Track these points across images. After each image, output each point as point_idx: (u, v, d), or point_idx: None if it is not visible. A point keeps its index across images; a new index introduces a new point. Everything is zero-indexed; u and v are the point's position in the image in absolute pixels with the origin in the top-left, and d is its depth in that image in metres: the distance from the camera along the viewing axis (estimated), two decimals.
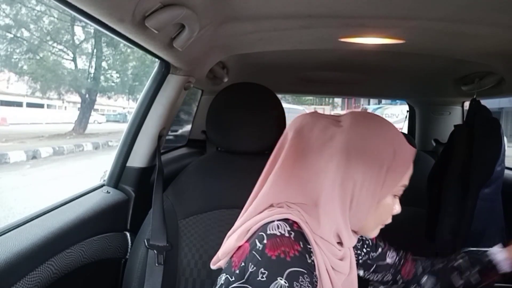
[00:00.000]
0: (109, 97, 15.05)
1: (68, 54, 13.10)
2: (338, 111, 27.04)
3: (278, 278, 0.62)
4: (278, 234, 0.67)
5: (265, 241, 0.66)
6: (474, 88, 1.65)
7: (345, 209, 0.70)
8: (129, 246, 1.17)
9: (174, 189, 1.17)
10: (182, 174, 1.21)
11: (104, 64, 13.64)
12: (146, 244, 1.06)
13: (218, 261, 0.78)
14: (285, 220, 0.69)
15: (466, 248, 1.40)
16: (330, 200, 0.69)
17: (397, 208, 0.76)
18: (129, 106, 21.21)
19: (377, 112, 13.66)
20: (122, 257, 1.15)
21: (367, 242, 0.96)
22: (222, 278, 0.72)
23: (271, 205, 0.73)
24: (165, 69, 1.23)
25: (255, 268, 0.64)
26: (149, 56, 1.10)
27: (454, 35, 1.12)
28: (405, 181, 0.73)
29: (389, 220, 0.76)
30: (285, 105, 1.57)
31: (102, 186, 1.25)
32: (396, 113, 11.98)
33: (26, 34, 12.20)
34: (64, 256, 0.89)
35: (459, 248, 1.40)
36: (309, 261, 0.66)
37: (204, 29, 0.99)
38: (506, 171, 1.53)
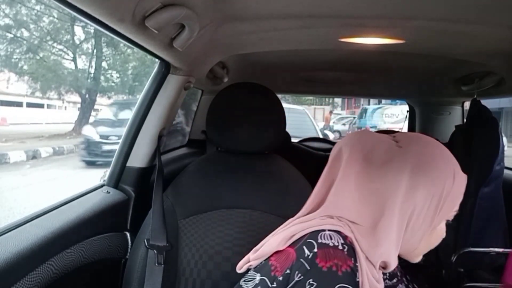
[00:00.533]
0: (109, 97, 15.05)
1: (68, 54, 13.10)
2: (338, 111, 27.02)
3: None
4: (331, 245, 0.63)
5: (315, 250, 0.62)
6: (474, 88, 1.65)
7: (400, 233, 0.67)
8: (129, 246, 1.17)
9: (174, 189, 1.17)
10: (182, 174, 1.21)
11: (104, 64, 13.63)
12: (146, 244, 1.06)
13: (247, 263, 0.73)
14: (338, 232, 0.65)
15: (467, 248, 1.40)
16: (389, 224, 0.66)
17: (444, 233, 0.74)
18: None
19: (377, 112, 13.72)
20: (122, 257, 1.15)
21: None
22: (256, 279, 0.68)
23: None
24: (165, 69, 1.23)
25: (302, 277, 0.61)
26: (149, 56, 1.10)
27: (454, 35, 1.12)
28: (458, 206, 0.71)
29: (436, 244, 0.74)
30: (285, 105, 1.57)
31: (102, 186, 1.25)
32: (396, 113, 11.99)
33: (26, 34, 12.19)
34: (64, 256, 0.89)
35: (459, 248, 1.41)
36: (357, 279, 0.63)
37: (204, 29, 0.99)
38: (506, 171, 1.53)
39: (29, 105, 17.69)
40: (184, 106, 2.16)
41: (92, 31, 12.34)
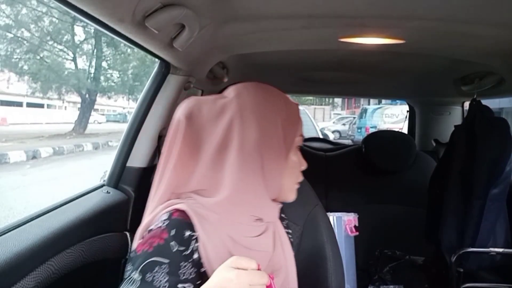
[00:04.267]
0: (109, 97, 15.05)
1: (68, 54, 13.10)
2: (338, 111, 27.04)
3: (133, 273, 0.61)
4: (154, 227, 0.65)
5: (139, 241, 0.66)
6: (474, 88, 1.65)
7: (257, 179, 0.69)
8: (129, 246, 1.16)
9: None
10: None
11: (104, 64, 13.63)
12: None
13: None
14: (170, 210, 0.67)
15: (467, 248, 1.40)
16: (237, 171, 0.67)
17: (303, 164, 0.77)
18: (129, 106, 21.22)
19: (377, 112, 13.71)
20: (122, 257, 1.15)
21: None
22: None
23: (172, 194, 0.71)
24: (165, 69, 1.23)
25: (129, 269, 0.63)
26: (149, 56, 1.10)
27: (454, 35, 1.12)
28: (300, 131, 0.75)
29: (301, 178, 0.77)
30: None
31: (102, 186, 1.25)
32: (396, 113, 11.98)
33: (26, 34, 12.20)
34: (64, 256, 0.89)
35: (464, 248, 1.40)
36: (180, 249, 0.63)
37: (204, 29, 0.99)
38: None
39: (29, 105, 17.70)
40: None
41: (92, 31, 12.34)
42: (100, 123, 20.23)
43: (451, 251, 1.44)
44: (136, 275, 0.61)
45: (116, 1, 0.68)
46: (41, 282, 0.81)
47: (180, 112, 0.72)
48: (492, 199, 1.39)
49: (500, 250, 1.40)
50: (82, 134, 12.72)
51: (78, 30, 12.95)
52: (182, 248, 0.63)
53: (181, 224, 0.65)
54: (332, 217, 1.55)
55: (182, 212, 0.67)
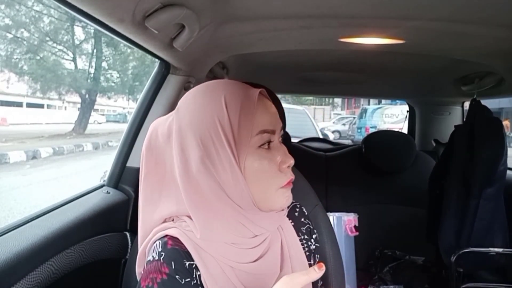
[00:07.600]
0: (109, 97, 15.06)
1: (68, 54, 13.11)
2: (338, 111, 27.05)
3: None
4: (151, 259, 0.60)
5: (142, 272, 0.61)
6: (474, 88, 1.65)
7: (222, 199, 0.59)
8: (129, 246, 1.16)
9: None
10: None
11: (104, 64, 13.64)
12: None
13: None
14: (163, 238, 0.62)
15: (467, 248, 1.40)
16: (195, 196, 0.60)
17: (286, 160, 0.62)
18: (129, 106, 21.22)
19: (377, 112, 13.72)
20: (122, 257, 1.15)
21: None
22: None
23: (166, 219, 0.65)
24: (165, 69, 1.23)
25: None
26: (149, 56, 1.10)
27: (454, 35, 1.12)
28: (262, 126, 0.60)
29: (288, 177, 0.64)
30: (285, 105, 1.57)
31: (102, 186, 1.25)
32: (396, 113, 11.99)
33: (26, 34, 12.20)
34: (64, 256, 0.89)
35: (463, 248, 1.40)
36: (186, 280, 0.58)
37: (204, 29, 0.99)
38: (508, 172, 1.53)
39: (29, 105, 17.70)
40: None
41: (92, 31, 12.35)
42: (100, 123, 20.22)
43: (449, 251, 1.44)
44: None
45: (116, 1, 0.68)
46: (41, 282, 0.80)
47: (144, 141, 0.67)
48: (487, 199, 1.39)
49: (500, 250, 1.40)
50: (82, 134, 12.72)
51: (78, 30, 12.97)
52: (188, 279, 0.59)
53: (178, 254, 0.60)
54: (332, 217, 1.56)
55: (176, 239, 0.61)
